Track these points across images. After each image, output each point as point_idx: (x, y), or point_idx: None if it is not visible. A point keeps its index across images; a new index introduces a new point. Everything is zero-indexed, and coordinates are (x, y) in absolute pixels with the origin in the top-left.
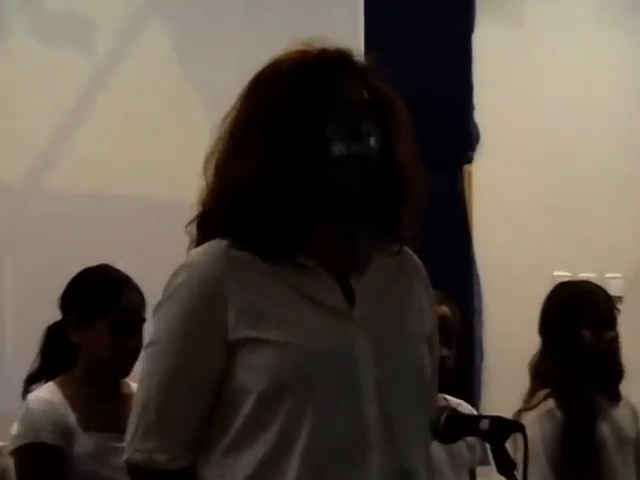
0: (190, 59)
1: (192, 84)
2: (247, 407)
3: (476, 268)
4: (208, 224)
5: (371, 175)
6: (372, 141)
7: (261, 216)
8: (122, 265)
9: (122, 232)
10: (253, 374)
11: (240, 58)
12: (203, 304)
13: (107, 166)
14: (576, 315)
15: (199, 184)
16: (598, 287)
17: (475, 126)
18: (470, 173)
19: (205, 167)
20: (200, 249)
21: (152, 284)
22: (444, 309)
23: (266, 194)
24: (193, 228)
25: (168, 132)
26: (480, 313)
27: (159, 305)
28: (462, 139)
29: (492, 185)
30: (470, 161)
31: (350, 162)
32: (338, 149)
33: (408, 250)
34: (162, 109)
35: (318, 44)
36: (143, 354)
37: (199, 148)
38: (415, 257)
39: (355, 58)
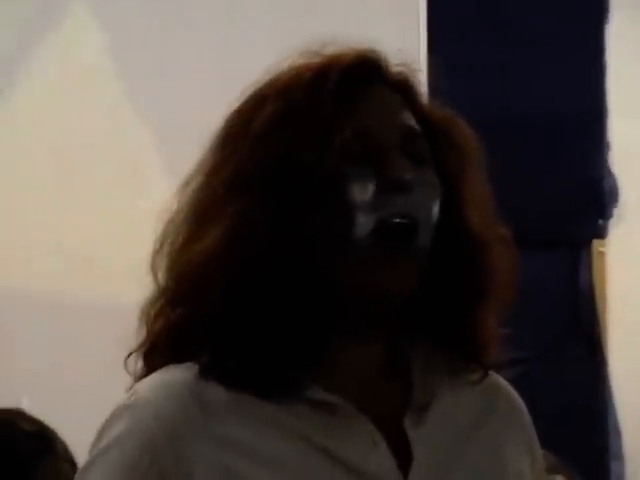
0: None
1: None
2: None
3: (614, 410)
4: (161, 343)
5: (424, 264)
6: (425, 202)
7: (251, 325)
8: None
9: (26, 341)
10: None
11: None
12: (151, 473)
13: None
14: None
15: (143, 282)
16: None
17: (612, 178)
18: (603, 254)
19: (154, 256)
20: (152, 380)
21: (76, 433)
22: None
23: (257, 290)
24: (137, 359)
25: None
26: (620, 455)
27: (82, 472)
28: (589, 199)
29: (637, 272)
30: (603, 235)
31: (389, 246)
32: (365, 220)
33: (497, 378)
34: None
35: (327, 49)
36: None
37: (140, 226)
38: (510, 390)
39: (390, 64)
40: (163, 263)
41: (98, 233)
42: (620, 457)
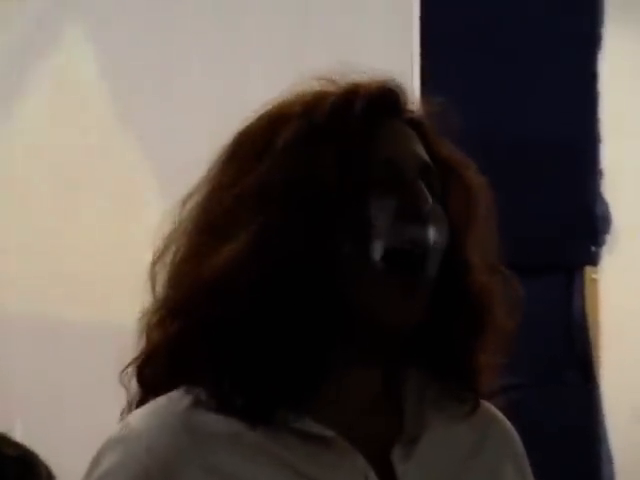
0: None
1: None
2: None
3: (607, 437)
4: (156, 368)
5: (426, 300)
6: (438, 234)
7: (256, 341)
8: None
9: (21, 365)
10: None
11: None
12: None
13: None
14: None
15: (136, 300)
16: None
17: (604, 205)
18: (595, 281)
19: (153, 266)
20: (144, 411)
21: (70, 457)
22: None
23: (272, 307)
24: (131, 374)
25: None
26: None
27: None
28: (581, 225)
29: (630, 299)
30: (595, 262)
31: (401, 272)
32: (381, 245)
33: (489, 407)
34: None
35: (341, 77)
36: None
37: (136, 241)
38: (502, 419)
39: (408, 100)
40: (162, 274)
41: (94, 255)
42: None
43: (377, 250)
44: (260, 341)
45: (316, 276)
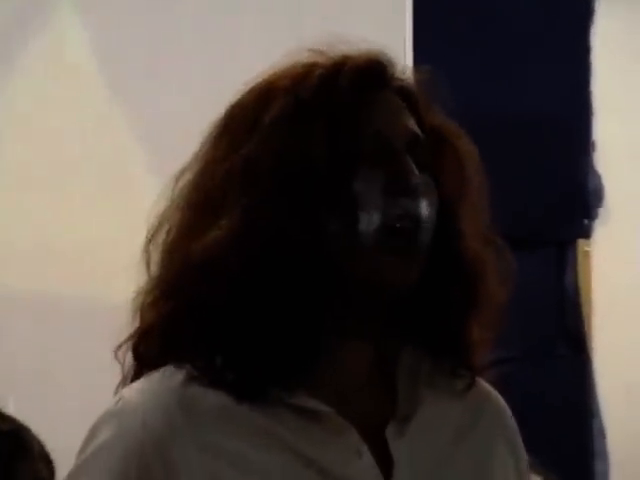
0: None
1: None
2: None
3: (599, 410)
4: (151, 343)
5: (422, 263)
6: (428, 207)
7: (249, 318)
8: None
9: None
10: None
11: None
12: None
13: None
14: None
15: (131, 279)
16: None
17: (597, 178)
18: (587, 254)
19: (147, 245)
20: (138, 386)
21: (64, 432)
22: None
23: (264, 283)
24: (125, 350)
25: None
26: (604, 454)
27: (70, 479)
28: (574, 199)
29: (622, 272)
30: (588, 234)
31: (393, 243)
32: (371, 219)
33: (484, 385)
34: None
35: (332, 49)
36: None
37: (130, 222)
38: (495, 395)
39: (397, 70)
40: (157, 252)
41: (87, 234)
42: (605, 457)
43: (366, 225)
44: (252, 317)
45: (306, 251)
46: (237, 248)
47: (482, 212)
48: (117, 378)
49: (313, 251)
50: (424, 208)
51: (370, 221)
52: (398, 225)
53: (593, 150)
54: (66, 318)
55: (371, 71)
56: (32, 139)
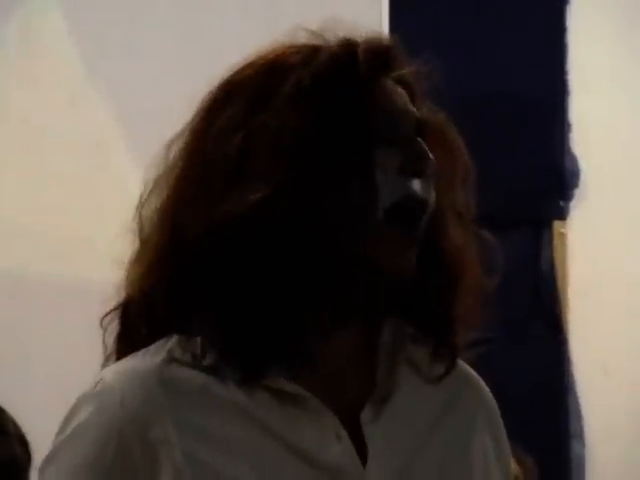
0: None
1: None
2: None
3: (575, 391)
4: (135, 320)
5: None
6: (432, 192)
7: (244, 293)
8: None
9: None
10: None
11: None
12: (116, 461)
13: None
14: None
15: (110, 258)
16: None
17: (573, 159)
18: (563, 235)
19: (140, 210)
20: (119, 366)
21: (38, 420)
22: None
23: (269, 257)
24: (107, 325)
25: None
26: (581, 436)
27: (48, 461)
28: (550, 180)
29: (598, 253)
30: (564, 216)
31: (399, 225)
32: (382, 201)
33: (464, 367)
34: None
35: (328, 32)
36: None
37: (106, 197)
38: (477, 380)
39: (401, 57)
40: (148, 219)
41: (63, 210)
42: (581, 437)
43: (380, 204)
44: (253, 293)
45: (319, 228)
46: (263, 219)
47: (468, 206)
48: (95, 359)
49: (325, 228)
50: (432, 192)
51: (382, 202)
52: (409, 202)
53: (569, 131)
54: (41, 298)
55: (381, 55)
56: (7, 118)
